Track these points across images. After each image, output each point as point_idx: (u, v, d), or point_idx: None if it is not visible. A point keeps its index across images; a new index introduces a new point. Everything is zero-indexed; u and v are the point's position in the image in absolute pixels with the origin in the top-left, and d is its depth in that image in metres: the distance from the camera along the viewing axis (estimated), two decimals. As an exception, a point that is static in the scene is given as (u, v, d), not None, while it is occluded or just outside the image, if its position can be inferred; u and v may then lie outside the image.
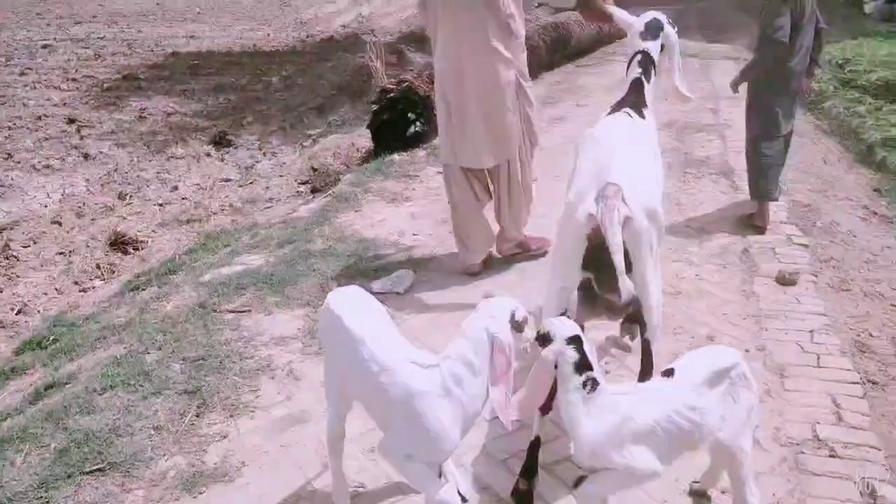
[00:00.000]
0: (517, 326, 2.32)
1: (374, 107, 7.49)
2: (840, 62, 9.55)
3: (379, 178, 6.45)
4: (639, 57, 3.18)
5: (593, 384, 2.18)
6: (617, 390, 2.28)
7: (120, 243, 6.15)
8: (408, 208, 5.79)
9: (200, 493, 2.92)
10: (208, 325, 4.06)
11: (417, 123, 7.35)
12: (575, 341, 2.21)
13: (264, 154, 9.10)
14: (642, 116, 3.03)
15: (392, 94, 7.37)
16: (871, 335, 3.95)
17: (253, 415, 3.37)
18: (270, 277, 4.60)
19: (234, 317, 4.20)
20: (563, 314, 2.63)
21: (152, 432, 3.25)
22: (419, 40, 16.28)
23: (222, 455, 3.11)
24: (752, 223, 5.16)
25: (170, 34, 18.35)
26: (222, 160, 8.85)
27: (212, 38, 17.80)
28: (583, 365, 2.19)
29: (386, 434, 2.43)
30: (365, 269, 4.70)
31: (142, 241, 6.22)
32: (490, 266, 4.67)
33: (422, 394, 2.26)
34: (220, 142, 9.48)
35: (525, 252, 4.75)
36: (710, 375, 2.31)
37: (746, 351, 3.71)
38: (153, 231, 6.53)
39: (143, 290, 5.00)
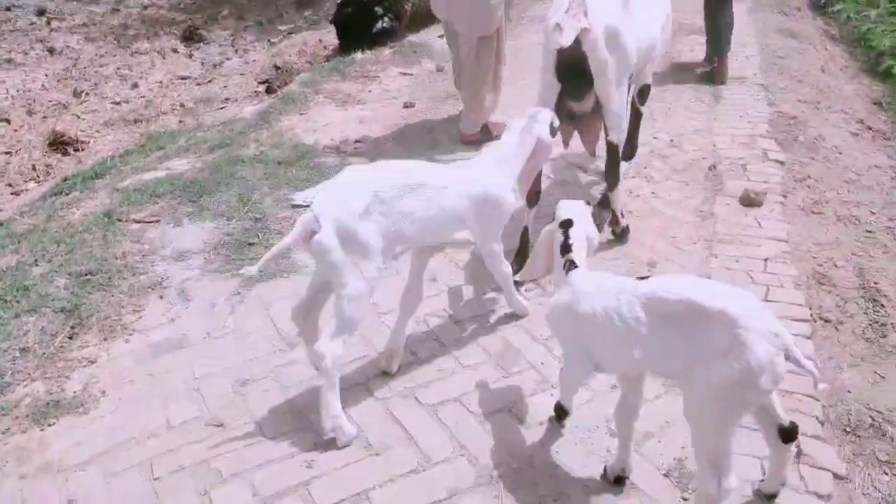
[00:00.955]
0: (553, 131, 2.84)
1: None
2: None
3: (335, 78, 5.93)
4: None
5: (570, 265, 2.29)
6: (591, 275, 2.27)
7: (60, 143, 5.74)
8: (358, 111, 5.30)
9: (50, 425, 2.61)
10: (108, 237, 3.69)
11: (385, 19, 6.77)
12: (565, 225, 2.37)
13: (235, 51, 8.53)
14: None
15: (357, -14, 6.74)
16: (835, 265, 3.49)
17: (129, 338, 3.03)
18: (190, 185, 4.20)
19: (140, 227, 3.82)
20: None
21: (17, 354, 2.93)
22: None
23: (84, 382, 2.79)
24: (714, 79, 5.58)
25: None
26: (189, 57, 8.31)
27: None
28: (565, 247, 2.33)
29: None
30: (293, 177, 4.27)
31: (83, 142, 5.80)
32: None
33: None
34: (191, 37, 8.91)
35: (489, 137, 4.61)
36: (680, 308, 1.94)
37: (688, 280, 3.30)
38: (97, 131, 6.11)
39: (67, 194, 4.62)
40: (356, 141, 4.79)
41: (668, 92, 5.49)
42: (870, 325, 3.04)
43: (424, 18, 7.41)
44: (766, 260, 3.45)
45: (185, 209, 3.97)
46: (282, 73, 6.97)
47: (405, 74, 6.02)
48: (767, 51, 6.35)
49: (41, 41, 8.76)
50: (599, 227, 3.06)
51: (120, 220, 3.87)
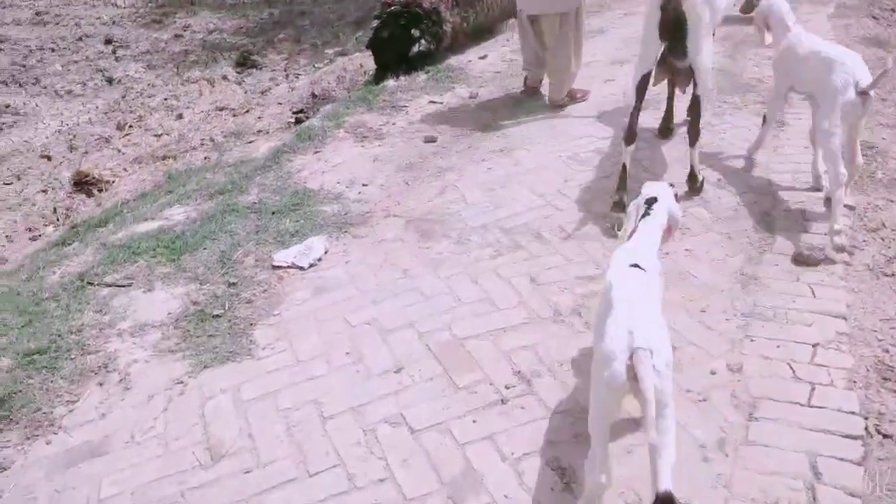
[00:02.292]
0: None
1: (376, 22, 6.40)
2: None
3: (360, 109, 5.47)
4: None
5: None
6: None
7: (84, 183, 5.52)
8: (375, 148, 4.81)
9: (-67, 555, 2.24)
10: (72, 306, 3.34)
11: (422, 42, 6.24)
12: (649, 202, 2.49)
13: (286, 76, 8.21)
14: None
15: (392, 8, 6.25)
16: (907, 351, 2.75)
17: (53, 438, 2.64)
18: (175, 240, 3.82)
19: (109, 293, 3.46)
20: (646, 73, 3.66)
21: (-70, 457, 2.59)
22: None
23: (-13, 498, 2.41)
24: None
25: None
26: (239, 84, 8.04)
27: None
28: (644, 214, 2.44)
29: None
30: (283, 231, 3.82)
31: (107, 182, 5.57)
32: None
33: None
34: (244, 62, 8.66)
35: (574, 101, 5.20)
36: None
37: (712, 373, 2.64)
38: (124, 169, 5.87)
39: (69, 244, 4.35)
40: (363, 185, 4.30)
41: (725, 115, 4.74)
42: (946, 447, 2.31)
43: (466, 40, 6.87)
44: (815, 345, 2.74)
45: (162, 270, 3.59)
46: (318, 101, 6.57)
47: (434, 103, 5.49)
48: (848, 64, 5.46)
49: (101, 71, 8.72)
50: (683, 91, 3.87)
51: (92, 284, 3.52)
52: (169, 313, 3.26)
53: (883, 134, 4.45)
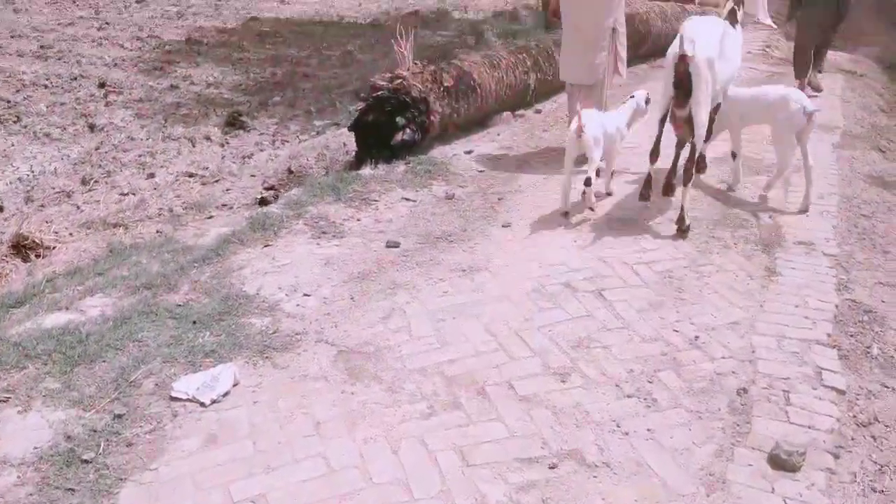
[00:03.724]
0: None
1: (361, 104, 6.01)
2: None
3: (328, 199, 5.01)
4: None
5: None
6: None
7: (22, 247, 5.03)
8: (331, 249, 4.33)
9: None
10: (-76, 425, 2.81)
11: (407, 130, 5.83)
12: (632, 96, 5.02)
13: (274, 142, 7.81)
14: (733, 26, 4.70)
15: (380, 93, 5.86)
16: None
17: None
18: (76, 346, 3.31)
19: (-22, 410, 2.93)
20: (664, 115, 4.47)
21: None
22: (511, 19, 14.64)
23: None
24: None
25: (266, -3, 17.39)
26: (223, 145, 7.63)
27: (303, 3, 16.70)
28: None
29: None
30: (198, 347, 3.31)
31: (47, 248, 5.08)
32: None
33: None
34: (234, 123, 8.27)
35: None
36: None
37: None
38: (70, 234, 5.39)
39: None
40: (305, 294, 3.80)
41: (712, 252, 4.27)
42: None
43: (456, 130, 6.48)
44: None
45: (48, 384, 3.06)
46: (293, 178, 6.14)
47: (407, 200, 5.04)
48: (850, 206, 5.02)
49: (84, 116, 8.34)
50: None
51: (-40, 396, 2.99)
52: (35, 447, 2.72)
53: (883, 295, 3.97)
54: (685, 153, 4.59)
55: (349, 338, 3.39)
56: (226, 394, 2.98)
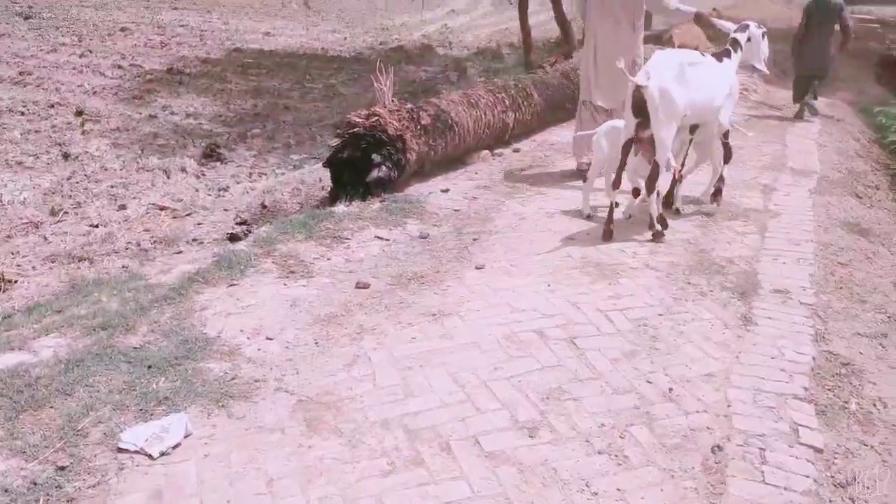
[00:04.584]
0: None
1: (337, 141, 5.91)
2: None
3: (298, 237, 4.88)
4: (731, 38, 5.35)
5: None
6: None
7: (-18, 280, 4.85)
8: (298, 290, 4.19)
9: None
10: None
11: (383, 168, 5.73)
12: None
13: (251, 175, 7.69)
14: (720, 60, 5.17)
15: (355, 129, 5.77)
16: None
17: None
18: (24, 389, 3.13)
19: (-88, 458, 2.74)
20: (628, 141, 4.87)
21: None
22: (494, 56, 14.72)
23: None
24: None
25: (251, 28, 17.44)
26: (198, 177, 7.50)
27: (288, 36, 16.75)
28: None
29: None
30: (151, 394, 3.14)
31: (8, 282, 4.90)
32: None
33: None
34: (211, 155, 8.16)
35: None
36: None
37: None
38: (34, 267, 5.21)
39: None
40: (267, 338, 3.65)
41: (687, 300, 4.17)
42: None
43: (434, 168, 6.40)
44: None
45: (-14, 433, 2.88)
46: (267, 214, 6.01)
47: (380, 239, 4.92)
48: (826, 253, 4.96)
49: (59, 144, 8.19)
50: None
51: None
52: (-46, 511, 2.54)
53: (860, 346, 3.88)
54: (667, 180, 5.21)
55: (310, 386, 3.24)
56: (176, 446, 2.81)
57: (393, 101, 6.09)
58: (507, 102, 7.33)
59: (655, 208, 4.95)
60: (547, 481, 2.74)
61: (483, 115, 6.88)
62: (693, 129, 5.29)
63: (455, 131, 6.41)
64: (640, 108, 4.66)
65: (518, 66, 12.16)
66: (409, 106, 6.10)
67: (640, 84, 4.57)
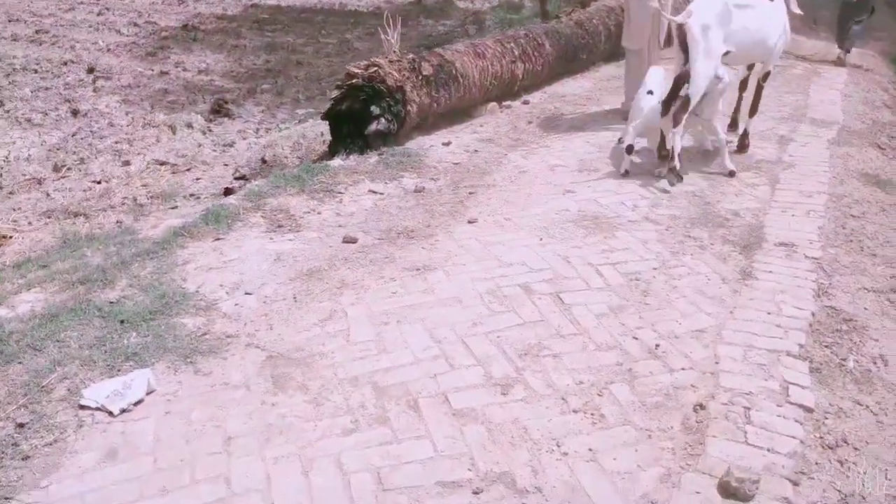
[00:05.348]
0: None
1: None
2: None
3: (291, 190, 4.76)
4: None
5: None
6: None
7: (-23, 236, 4.83)
8: (284, 244, 4.08)
9: None
10: None
11: (383, 120, 5.55)
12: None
13: (258, 130, 7.57)
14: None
15: (354, 81, 5.59)
16: None
17: None
18: (-5, 344, 3.08)
19: None
20: (682, 72, 4.90)
21: None
22: (513, 8, 14.28)
23: None
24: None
25: (270, -17, 17.09)
26: (204, 133, 7.40)
27: (306, -10, 16.39)
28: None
29: None
30: (121, 349, 3.07)
31: (4, 237, 4.87)
32: None
33: None
34: (219, 110, 8.04)
35: None
36: None
37: None
38: (29, 223, 5.18)
39: None
40: (246, 293, 3.55)
41: (685, 254, 3.97)
42: None
43: (437, 120, 6.20)
44: None
45: (-47, 389, 2.84)
46: (266, 168, 5.90)
47: (374, 193, 4.78)
48: (839, 205, 4.70)
49: (68, 101, 8.13)
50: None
51: None
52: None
53: (865, 301, 3.66)
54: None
55: (281, 342, 3.14)
56: (138, 402, 2.74)
57: (395, 52, 5.87)
58: (517, 53, 7.06)
59: (678, 142, 4.93)
60: (515, 440, 2.62)
61: (490, 66, 6.63)
62: (750, 67, 5.61)
63: (460, 82, 6.19)
64: (682, 45, 4.89)
65: (536, 16, 11.77)
66: (410, 56, 5.88)
67: (680, 22, 4.78)
